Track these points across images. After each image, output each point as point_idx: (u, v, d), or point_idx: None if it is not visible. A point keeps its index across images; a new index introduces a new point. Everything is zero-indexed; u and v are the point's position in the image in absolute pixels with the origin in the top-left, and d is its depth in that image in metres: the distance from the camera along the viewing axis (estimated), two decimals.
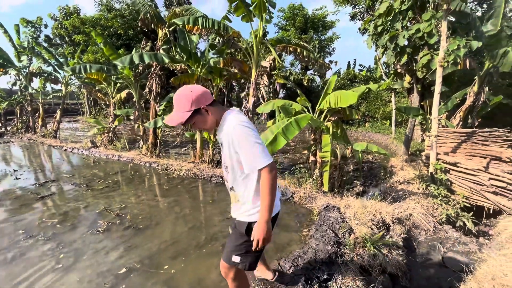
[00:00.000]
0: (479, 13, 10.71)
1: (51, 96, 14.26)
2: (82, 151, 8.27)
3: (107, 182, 5.38)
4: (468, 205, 4.61)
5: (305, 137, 13.45)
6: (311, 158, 4.49)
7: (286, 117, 3.90)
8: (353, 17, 13.46)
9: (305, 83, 16.37)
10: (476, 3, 11.18)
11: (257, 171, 1.36)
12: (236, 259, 1.53)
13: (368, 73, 17.24)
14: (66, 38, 21.51)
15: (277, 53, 8.24)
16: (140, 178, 5.74)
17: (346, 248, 2.86)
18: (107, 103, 10.59)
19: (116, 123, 8.62)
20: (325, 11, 18.93)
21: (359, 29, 12.01)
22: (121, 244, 3.01)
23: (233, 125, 1.35)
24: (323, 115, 4.28)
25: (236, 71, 6.27)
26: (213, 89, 6.92)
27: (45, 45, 20.20)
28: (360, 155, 4.37)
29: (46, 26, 21.10)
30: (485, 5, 9.58)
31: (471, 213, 4.32)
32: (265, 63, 5.52)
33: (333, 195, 4.16)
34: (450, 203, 4.52)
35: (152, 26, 6.61)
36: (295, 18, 18.84)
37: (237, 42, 5.87)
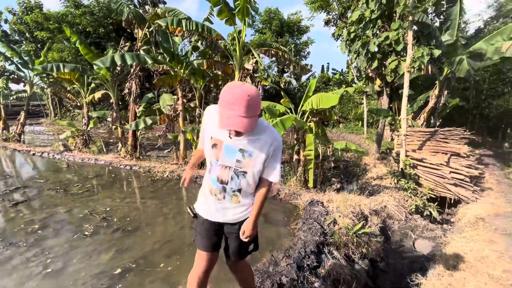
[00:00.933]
0: (437, 24, 11.84)
1: (14, 97, 13.17)
2: (53, 155, 7.80)
3: (86, 186, 5.18)
4: (433, 196, 5.15)
5: (283, 137, 13.82)
6: (295, 156, 4.73)
7: (271, 118, 4.10)
8: (327, 23, 14.13)
9: (282, 85, 16.81)
10: (434, 14, 12.33)
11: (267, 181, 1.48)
12: (250, 248, 1.68)
13: (341, 77, 18.12)
14: (27, 35, 19.95)
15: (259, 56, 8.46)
16: (121, 181, 5.59)
17: (332, 238, 3.10)
18: (78, 104, 10.07)
19: (91, 125, 8.25)
20: (300, 16, 19.60)
21: (333, 34, 12.65)
22: (112, 246, 2.98)
23: (277, 135, 1.39)
24: (305, 116, 4.54)
25: (219, 73, 6.35)
26: (195, 91, 6.93)
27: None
28: (339, 153, 4.69)
29: (6, 21, 19.43)
30: (442, 17, 10.62)
31: (436, 203, 4.83)
32: (248, 65, 5.69)
33: (316, 191, 4.42)
34: (418, 195, 5.00)
35: (135, 26, 6.48)
36: (272, 21, 19.28)
37: (220, 45, 5.97)
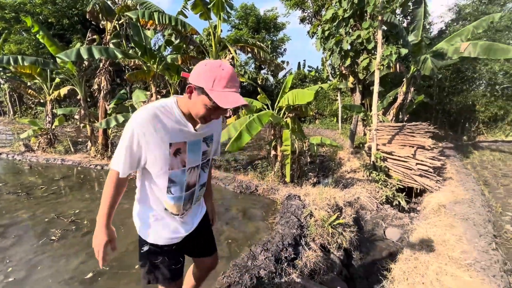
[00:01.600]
0: (405, 24, 12.52)
1: None
2: (13, 156, 7.19)
3: (52, 188, 4.85)
4: (402, 187, 5.47)
5: (260, 134, 13.91)
6: (272, 152, 4.79)
7: (248, 113, 4.10)
8: (302, 20, 14.37)
9: (259, 81, 16.87)
10: (402, 15, 13.02)
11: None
12: None
13: (317, 74, 18.56)
14: None
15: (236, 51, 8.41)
16: (92, 182, 5.30)
17: (308, 230, 3.19)
18: (41, 101, 9.35)
19: (56, 123, 7.70)
20: (276, 13, 19.72)
21: (308, 32, 12.88)
22: (82, 250, 2.83)
23: None
24: (282, 112, 4.61)
25: None
26: (170, 87, 6.73)
27: None
28: (315, 148, 4.83)
29: None
30: (409, 18, 11.24)
31: (404, 193, 5.16)
32: (225, 61, 5.62)
33: (294, 185, 4.52)
34: (388, 186, 5.30)
35: (103, 18, 6.11)
36: (248, 18, 19.20)
37: (195, 40, 5.83)
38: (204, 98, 1.03)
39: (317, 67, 20.13)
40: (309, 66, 19.87)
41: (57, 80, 7.86)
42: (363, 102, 10.37)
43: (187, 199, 1.28)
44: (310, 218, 3.41)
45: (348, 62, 8.44)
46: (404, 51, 5.73)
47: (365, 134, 11.35)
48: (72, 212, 3.77)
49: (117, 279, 2.37)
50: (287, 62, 18.98)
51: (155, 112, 1.08)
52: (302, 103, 4.00)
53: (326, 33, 8.90)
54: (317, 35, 9.39)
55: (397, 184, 5.41)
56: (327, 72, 16.04)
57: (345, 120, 16.04)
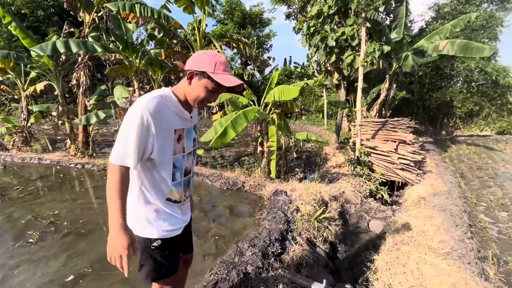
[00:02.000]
0: (388, 22, 12.80)
1: None
2: None
3: (28, 189, 4.63)
4: (384, 181, 5.65)
5: (247, 130, 13.89)
6: (259, 148, 4.79)
7: (234, 110, 4.06)
8: (288, 16, 14.36)
9: (245, 77, 16.78)
10: (385, 13, 13.31)
11: None
12: None
13: (303, 70, 18.69)
14: None
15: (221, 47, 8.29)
16: (72, 182, 5.10)
17: (295, 225, 3.23)
18: (15, 97, 8.85)
19: (32, 120, 7.32)
20: (261, 8, 19.60)
21: (294, 28, 12.90)
22: (62, 252, 2.73)
23: None
24: (268, 108, 4.61)
25: (179, 63, 6.08)
26: (154, 82, 6.55)
27: None
28: (301, 144, 4.87)
29: None
30: (391, 16, 11.50)
31: (387, 187, 5.32)
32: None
33: (280, 181, 4.55)
34: (372, 180, 5.45)
35: (81, 10, 5.82)
36: (233, 12, 18.97)
37: (179, 34, 5.69)
38: (206, 81, 1.15)
39: (303, 63, 20.28)
40: (295, 63, 20.00)
41: (32, 75, 7.45)
42: (347, 98, 10.55)
43: (185, 185, 1.31)
44: (297, 213, 3.45)
45: (333, 58, 8.53)
46: (386, 48, 5.86)
47: (350, 130, 11.59)
48: (51, 213, 3.62)
49: (100, 280, 2.30)
50: (273, 58, 18.98)
51: (161, 99, 1.13)
52: (288, 99, 4.01)
53: (312, 29, 8.94)
54: (303, 32, 9.42)
55: (380, 178, 5.58)
56: (313, 69, 16.19)
57: (330, 116, 16.31)
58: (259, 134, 4.76)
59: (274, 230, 3.01)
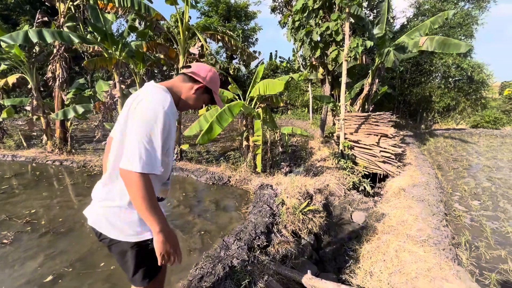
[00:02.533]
0: (371, 18, 13.01)
1: None
2: None
3: (2, 187, 4.39)
4: (367, 173, 5.82)
5: (233, 125, 13.82)
6: (244, 143, 4.78)
7: None
8: (273, 10, 14.27)
9: (231, 72, 16.60)
10: (369, 9, 13.51)
11: None
12: None
13: (288, 65, 18.72)
14: None
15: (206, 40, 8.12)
16: (49, 179, 4.89)
17: (280, 218, 3.27)
18: None
19: (4, 115, 6.91)
20: (247, 1, 19.34)
21: (279, 22, 12.85)
22: (40, 252, 2.62)
23: None
24: (253, 102, 4.59)
25: (162, 56, 5.91)
26: (135, 76, 6.34)
27: None
28: (286, 137, 4.91)
29: None
30: (374, 12, 11.70)
31: (369, 179, 5.49)
32: (194, 49, 5.40)
33: (266, 175, 4.58)
34: (355, 173, 5.60)
35: None
36: (218, 5, 18.60)
37: (162, 26, 5.51)
38: (206, 97, 1.29)
39: (289, 58, 20.31)
40: (280, 57, 20.00)
41: (3, 67, 7.00)
42: (332, 93, 10.70)
43: (169, 182, 1.32)
44: (282, 206, 3.49)
45: (318, 53, 8.60)
46: (369, 43, 5.97)
47: (334, 124, 11.79)
48: (28, 213, 3.46)
49: (80, 280, 2.23)
50: (259, 52, 18.85)
51: (171, 98, 1.12)
52: (273, 93, 4.01)
53: (297, 23, 8.94)
54: (288, 26, 9.41)
55: (363, 170, 5.74)
56: (298, 63, 16.26)
57: (315, 111, 16.51)
58: (244, 128, 4.74)
59: (260, 224, 3.04)
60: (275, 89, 3.92)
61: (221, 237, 2.85)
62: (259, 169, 4.40)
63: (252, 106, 4.51)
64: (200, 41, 5.13)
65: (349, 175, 5.39)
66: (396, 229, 3.15)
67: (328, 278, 2.65)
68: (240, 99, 4.70)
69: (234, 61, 19.39)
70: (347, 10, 5.62)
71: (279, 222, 3.22)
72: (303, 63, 15.95)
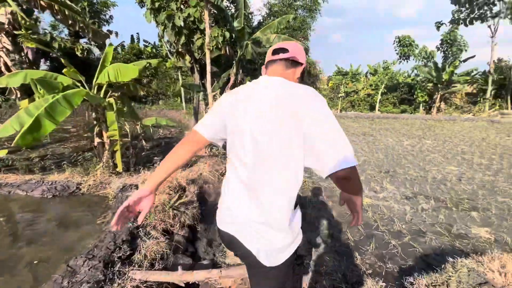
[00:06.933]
0: (234, 11, 13.81)
1: None
2: None
3: None
4: None
5: (86, 119, 11.40)
6: (97, 140, 3.93)
7: (49, 93, 3.06)
8: None
9: (78, 53, 13.37)
10: (230, 2, 14.25)
11: None
12: None
13: (154, 50, 17.22)
14: None
15: (23, 7, 5.94)
16: None
17: (148, 218, 2.96)
18: None
19: None
20: None
21: (140, 1, 11.36)
22: None
23: None
24: (102, 91, 3.80)
25: None
26: None
27: None
28: (151, 130, 4.47)
29: None
30: (234, 5, 12.45)
31: None
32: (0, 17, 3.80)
33: (130, 174, 4.02)
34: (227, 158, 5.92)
35: None
36: None
37: None
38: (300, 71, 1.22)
39: (155, 42, 18.67)
40: (145, 41, 18.06)
41: None
42: (203, 82, 10.75)
43: None
44: None
45: (182, 40, 8.27)
46: (227, 34, 6.28)
47: (207, 113, 12.02)
48: None
49: None
50: (116, 33, 16.13)
51: None
52: (126, 79, 3.46)
53: (156, 4, 8.17)
54: (147, 5, 8.45)
55: None
56: (166, 49, 15.22)
57: (189, 100, 16.23)
58: (95, 122, 3.89)
59: (122, 232, 2.63)
60: (128, 75, 3.39)
61: (65, 263, 2.25)
62: (119, 168, 3.79)
63: (102, 95, 3.73)
64: (10, 6, 3.69)
65: (221, 161, 5.63)
66: None
67: (202, 267, 2.66)
68: (83, 86, 3.77)
69: (82, 41, 15.75)
70: None
71: (147, 223, 2.91)
72: (172, 50, 15.08)
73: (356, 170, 0.96)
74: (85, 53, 14.20)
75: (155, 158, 6.47)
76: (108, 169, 3.86)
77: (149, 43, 18.41)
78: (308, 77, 17.93)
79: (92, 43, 16.09)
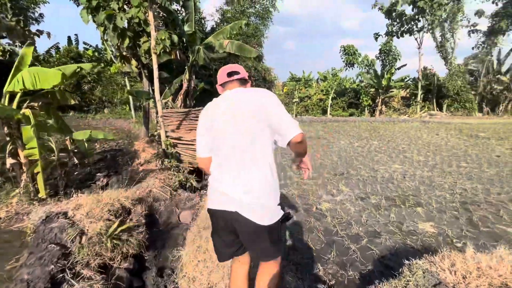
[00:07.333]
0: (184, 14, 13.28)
1: None
2: None
3: None
4: (192, 168, 5.88)
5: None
6: (9, 161, 3.16)
7: None
8: None
9: None
10: (180, 6, 13.70)
11: None
12: None
13: (97, 53, 15.66)
14: None
15: None
16: None
17: (79, 255, 2.45)
18: None
19: None
20: None
21: None
22: None
23: None
24: (16, 100, 3.08)
25: None
26: None
27: None
28: (85, 145, 3.84)
29: None
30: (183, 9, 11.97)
31: (194, 174, 5.57)
32: None
33: (58, 199, 3.36)
34: (181, 171, 5.47)
35: None
36: None
37: None
38: None
39: (97, 45, 17.00)
40: (85, 43, 16.32)
41: None
42: (153, 88, 10.02)
43: None
44: (82, 238, 2.64)
45: (126, 42, 7.55)
46: (175, 38, 5.89)
47: (157, 122, 11.24)
48: None
49: None
50: (48, 33, 14.21)
51: None
52: (46, 87, 2.87)
53: (94, 3, 7.34)
54: (83, 3, 7.54)
55: (189, 166, 5.74)
56: (111, 53, 13.91)
57: (139, 108, 15.04)
58: (8, 139, 3.15)
59: (39, 278, 2.09)
60: (49, 82, 2.81)
61: None
62: (42, 193, 3.12)
63: (15, 105, 3.03)
64: None
65: (174, 174, 5.18)
66: None
67: None
68: None
69: (3, 41, 13.51)
70: None
71: (77, 262, 2.39)
72: (117, 53, 13.83)
73: (304, 135, 1.39)
74: (8, 56, 12.16)
75: (98, 174, 5.70)
76: (27, 196, 3.15)
77: (90, 45, 16.70)
78: (264, 83, 18.18)
79: (18, 44, 13.91)
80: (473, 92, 22.08)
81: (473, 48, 25.07)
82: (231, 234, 1.51)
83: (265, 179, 1.40)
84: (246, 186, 1.38)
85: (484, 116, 21.53)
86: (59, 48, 15.70)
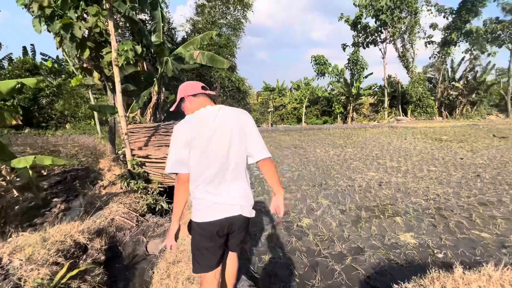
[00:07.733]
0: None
1: None
2: None
3: None
4: (163, 189, 5.43)
5: None
6: None
7: None
8: None
9: None
10: (148, 15, 13.22)
11: None
12: None
13: (56, 65, 14.53)
14: None
15: None
16: None
17: None
18: None
19: None
20: None
21: (24, 5, 9.31)
22: None
23: None
24: None
25: None
26: None
27: None
28: (30, 172, 3.30)
29: None
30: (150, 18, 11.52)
31: (165, 195, 5.11)
32: None
33: None
34: (149, 192, 5.00)
35: None
36: None
37: None
38: None
39: (57, 56, 15.83)
40: (43, 54, 15.11)
41: None
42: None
43: None
44: None
45: (86, 53, 6.98)
46: (139, 49, 5.50)
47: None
48: None
49: None
50: None
51: None
52: None
53: (48, 11, 6.72)
54: (33, 11, 6.87)
55: (159, 187, 5.28)
56: (72, 65, 12.94)
57: (106, 123, 14.09)
58: None
59: None
60: None
61: None
62: None
63: None
64: None
65: (142, 197, 4.71)
66: (186, 244, 2.91)
67: None
68: None
69: None
70: (107, 5, 4.77)
71: None
72: (80, 65, 12.91)
73: (272, 159, 1.72)
74: None
75: (55, 199, 5.07)
76: None
77: (49, 56, 15.50)
78: (238, 93, 18.05)
79: None
80: (432, 98, 23.81)
81: (430, 58, 27.24)
82: (221, 238, 1.67)
83: (248, 186, 1.69)
84: (241, 194, 1.65)
85: (444, 120, 23.26)
86: (12, 59, 14.36)
